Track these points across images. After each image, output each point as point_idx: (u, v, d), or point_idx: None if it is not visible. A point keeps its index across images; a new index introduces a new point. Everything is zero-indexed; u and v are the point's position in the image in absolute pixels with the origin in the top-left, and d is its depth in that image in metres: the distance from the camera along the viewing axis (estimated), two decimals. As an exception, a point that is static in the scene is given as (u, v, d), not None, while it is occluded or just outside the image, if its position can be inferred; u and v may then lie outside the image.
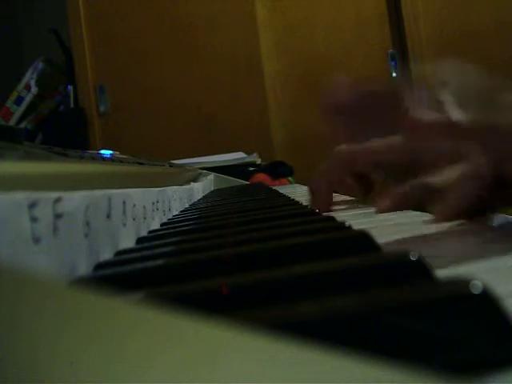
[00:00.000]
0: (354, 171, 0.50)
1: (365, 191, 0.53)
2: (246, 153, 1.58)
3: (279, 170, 1.51)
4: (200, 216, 0.46)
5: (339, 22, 2.04)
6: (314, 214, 0.37)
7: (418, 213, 0.38)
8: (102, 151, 0.82)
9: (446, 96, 0.31)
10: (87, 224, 0.23)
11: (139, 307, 0.10)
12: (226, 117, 1.98)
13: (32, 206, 0.17)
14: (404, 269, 0.17)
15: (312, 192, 0.49)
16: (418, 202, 0.37)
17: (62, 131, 1.96)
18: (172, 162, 1.06)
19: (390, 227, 0.33)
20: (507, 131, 0.28)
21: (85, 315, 0.09)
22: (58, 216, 0.19)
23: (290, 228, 0.29)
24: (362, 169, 0.51)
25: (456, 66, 0.33)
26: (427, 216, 0.36)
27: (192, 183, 0.76)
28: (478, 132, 0.28)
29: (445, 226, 0.31)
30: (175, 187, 0.54)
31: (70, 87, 2.04)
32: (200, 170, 1.02)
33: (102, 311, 0.09)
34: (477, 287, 0.12)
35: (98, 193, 0.25)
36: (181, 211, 0.54)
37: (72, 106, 2.04)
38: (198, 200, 0.74)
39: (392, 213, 0.41)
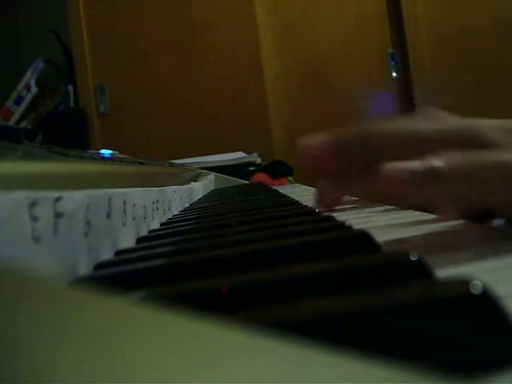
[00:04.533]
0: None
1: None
2: (245, 153, 1.58)
3: (279, 170, 1.51)
4: (200, 216, 0.46)
5: (339, 22, 2.04)
6: (313, 214, 0.37)
7: (418, 213, 0.38)
8: (102, 151, 0.82)
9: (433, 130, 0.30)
10: (87, 223, 0.23)
11: (139, 307, 0.10)
12: (226, 117, 1.98)
13: (32, 205, 0.17)
14: (404, 269, 0.17)
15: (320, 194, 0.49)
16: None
17: (61, 131, 1.96)
18: (172, 161, 1.06)
19: (390, 227, 0.33)
20: (493, 168, 0.27)
21: (85, 315, 0.09)
22: (58, 215, 0.19)
23: (289, 228, 0.29)
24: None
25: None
26: (427, 216, 0.36)
27: (192, 183, 0.76)
28: (463, 174, 0.27)
29: (445, 225, 0.31)
30: (175, 187, 0.54)
31: (70, 87, 2.04)
32: (200, 170, 1.02)
33: (102, 311, 0.09)
34: (477, 287, 0.12)
35: (99, 192, 0.25)
36: (181, 211, 0.54)
37: (72, 105, 2.04)
38: (198, 200, 0.74)
39: (392, 213, 0.41)
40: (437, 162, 0.27)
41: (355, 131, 0.34)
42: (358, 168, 0.34)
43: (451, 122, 0.32)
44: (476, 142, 0.29)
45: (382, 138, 0.32)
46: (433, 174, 0.27)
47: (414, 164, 0.27)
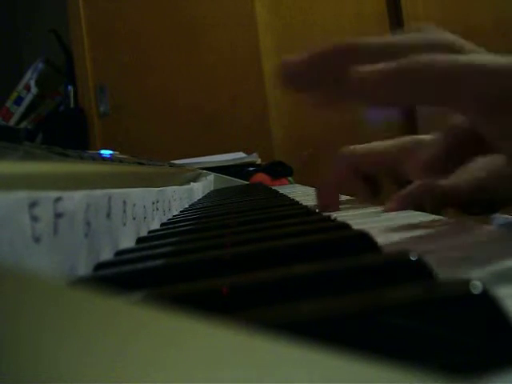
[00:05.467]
0: (359, 172, 0.51)
1: (372, 193, 0.53)
2: (245, 153, 1.58)
3: (279, 170, 1.51)
4: (200, 216, 0.46)
5: (339, 22, 2.04)
6: (313, 214, 0.37)
7: (419, 213, 0.38)
8: (102, 151, 0.82)
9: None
10: (87, 224, 0.23)
11: (139, 307, 0.10)
12: (226, 117, 1.98)
13: (32, 205, 0.17)
14: (404, 269, 0.17)
15: (319, 193, 0.49)
16: (419, 202, 0.38)
17: (61, 131, 1.96)
18: (172, 161, 1.06)
19: (390, 227, 0.33)
20: (487, 70, 0.27)
21: (85, 315, 0.09)
22: (58, 215, 0.19)
23: (289, 228, 0.29)
24: (366, 170, 0.51)
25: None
26: (427, 216, 0.36)
27: (192, 183, 0.76)
28: (454, 72, 0.27)
29: (445, 226, 0.31)
30: (175, 187, 0.54)
31: (70, 87, 2.04)
32: (200, 170, 1.02)
33: (102, 311, 0.09)
34: (477, 287, 0.12)
35: (99, 192, 0.25)
36: (181, 211, 0.54)
37: (72, 106, 2.04)
38: (198, 200, 0.74)
39: (392, 213, 0.41)
40: (411, 59, 0.27)
41: (338, 44, 0.34)
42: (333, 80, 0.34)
43: (437, 33, 0.31)
44: (449, 49, 0.29)
45: (359, 48, 0.32)
46: (407, 67, 0.27)
47: (385, 63, 0.27)
